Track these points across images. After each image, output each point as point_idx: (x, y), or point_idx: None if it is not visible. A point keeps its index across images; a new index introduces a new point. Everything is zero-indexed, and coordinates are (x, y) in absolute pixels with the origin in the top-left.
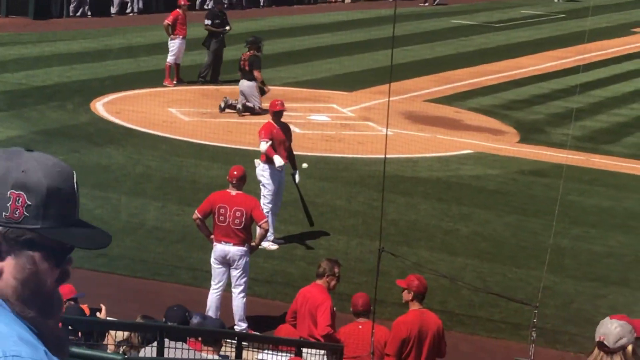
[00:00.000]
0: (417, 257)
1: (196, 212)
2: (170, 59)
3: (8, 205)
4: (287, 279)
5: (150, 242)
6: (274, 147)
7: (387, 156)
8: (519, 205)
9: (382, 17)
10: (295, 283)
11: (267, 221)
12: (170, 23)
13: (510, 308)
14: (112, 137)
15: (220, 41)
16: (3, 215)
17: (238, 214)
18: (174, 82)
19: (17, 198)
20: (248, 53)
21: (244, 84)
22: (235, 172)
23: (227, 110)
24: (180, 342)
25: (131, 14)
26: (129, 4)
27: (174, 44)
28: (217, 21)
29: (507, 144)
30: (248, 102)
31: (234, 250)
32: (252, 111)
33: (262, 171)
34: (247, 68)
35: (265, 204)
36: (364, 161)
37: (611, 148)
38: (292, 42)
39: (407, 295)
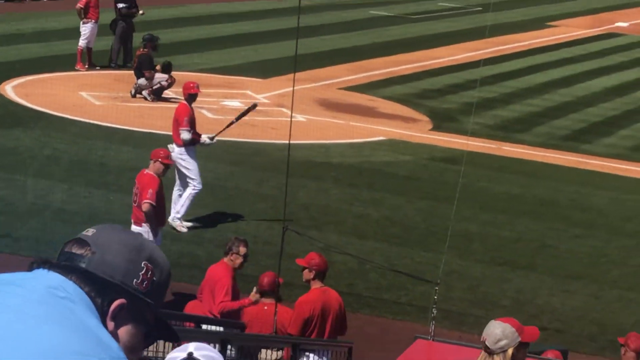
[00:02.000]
0: (327, 240)
1: None
2: (82, 42)
3: (140, 274)
4: (195, 261)
5: (56, 223)
6: (193, 129)
7: (301, 142)
8: (430, 191)
9: (301, 6)
10: (203, 265)
11: (147, 202)
12: (82, 6)
13: (416, 291)
14: (20, 120)
15: (129, 25)
16: (134, 282)
17: (136, 191)
18: (86, 66)
19: (148, 271)
20: (142, 51)
21: (138, 81)
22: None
23: (139, 95)
24: None
25: (46, 0)
26: None
27: (86, 28)
28: (129, 4)
29: (419, 132)
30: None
31: (133, 228)
32: (161, 90)
33: (180, 155)
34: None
35: (195, 185)
36: (277, 146)
37: (523, 137)
38: (209, 30)
39: (308, 274)
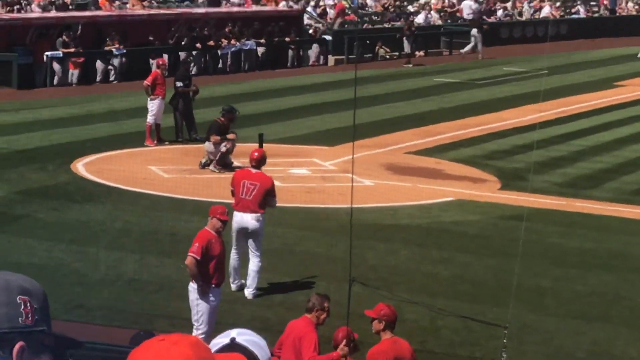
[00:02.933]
0: (395, 301)
1: None
2: (150, 119)
3: (22, 310)
4: (265, 324)
5: (128, 293)
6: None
7: (369, 205)
8: (500, 248)
9: (365, 77)
10: (274, 328)
11: (189, 255)
12: (149, 84)
13: (489, 346)
14: (92, 195)
15: (187, 101)
16: (20, 320)
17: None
18: (155, 141)
19: (26, 303)
20: (217, 118)
21: (204, 145)
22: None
23: (207, 167)
24: None
25: (114, 82)
26: (112, 72)
27: (154, 104)
28: (186, 82)
29: (488, 191)
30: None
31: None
32: (225, 156)
33: (259, 223)
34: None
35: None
36: (345, 210)
37: (592, 193)
38: (275, 103)
39: (377, 325)
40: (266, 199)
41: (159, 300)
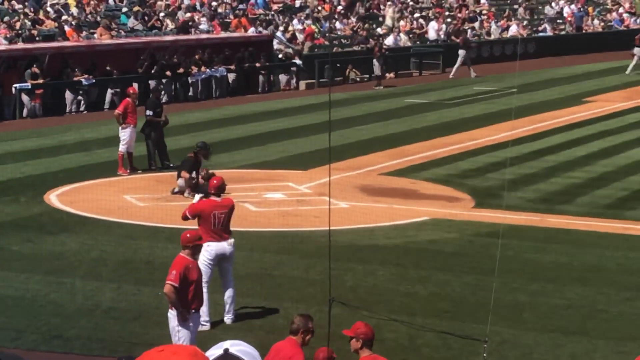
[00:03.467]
0: (375, 319)
1: None
2: (122, 147)
3: None
4: None
5: (107, 321)
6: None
7: (345, 227)
8: (477, 265)
9: (336, 100)
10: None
11: (167, 283)
12: (121, 112)
13: None
14: (66, 226)
15: (159, 129)
16: None
17: None
18: (128, 170)
19: None
20: (190, 154)
21: (178, 181)
22: (187, 235)
23: (178, 194)
24: None
25: (84, 112)
26: (82, 102)
27: (125, 133)
28: (157, 110)
29: (463, 210)
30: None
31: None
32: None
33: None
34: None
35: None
36: (321, 233)
37: (566, 208)
38: (247, 128)
39: (355, 344)
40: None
41: (138, 328)
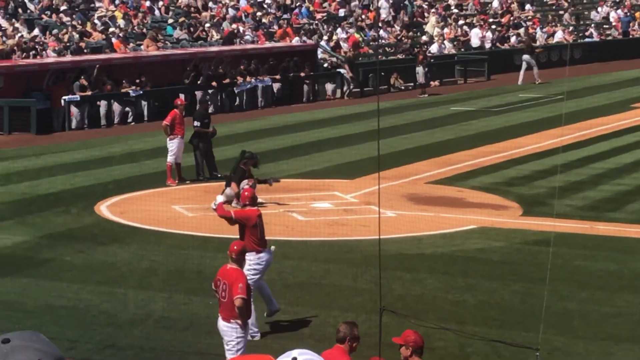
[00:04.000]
0: (425, 327)
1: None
2: (170, 158)
3: None
4: None
5: (158, 331)
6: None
7: (392, 236)
8: (525, 273)
9: (381, 109)
10: None
11: (240, 297)
12: (168, 124)
13: None
14: (117, 236)
15: (208, 140)
16: None
17: (224, 287)
18: (176, 181)
19: None
20: (239, 164)
21: (227, 190)
22: (234, 247)
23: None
24: None
25: (132, 123)
26: (130, 114)
27: (173, 144)
28: (205, 121)
29: (510, 218)
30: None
31: (221, 324)
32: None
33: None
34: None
35: None
36: (369, 242)
37: (615, 215)
38: (293, 138)
39: (405, 352)
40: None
41: (189, 338)
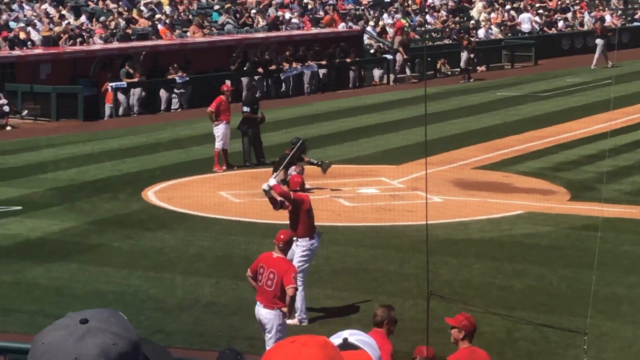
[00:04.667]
0: (472, 312)
1: (248, 269)
2: (218, 144)
3: None
4: None
5: (206, 316)
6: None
7: (439, 221)
8: (573, 258)
9: (428, 94)
10: None
11: (293, 287)
12: (213, 110)
13: (568, 355)
14: (165, 222)
15: (257, 126)
16: None
17: (271, 275)
18: (223, 167)
19: None
20: (287, 151)
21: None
22: (281, 236)
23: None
24: None
25: (178, 110)
26: (176, 100)
27: (219, 130)
28: (254, 106)
29: (558, 203)
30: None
31: (262, 312)
32: None
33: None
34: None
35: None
36: (416, 227)
37: None
38: (339, 124)
39: (457, 334)
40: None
41: (237, 323)
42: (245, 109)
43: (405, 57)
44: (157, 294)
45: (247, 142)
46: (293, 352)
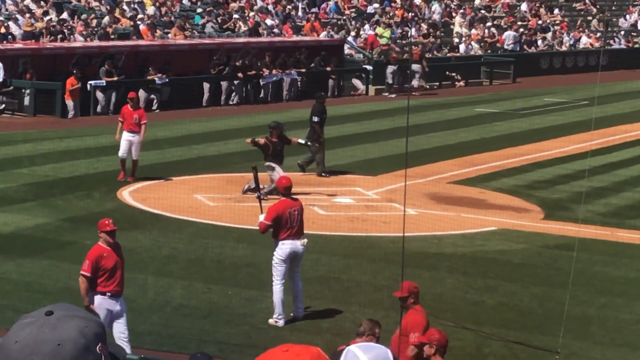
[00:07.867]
0: (443, 327)
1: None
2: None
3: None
4: None
5: (177, 318)
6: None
7: (413, 234)
8: (545, 277)
9: (405, 107)
10: None
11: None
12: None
13: None
14: (138, 223)
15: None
16: None
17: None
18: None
19: (103, 350)
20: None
21: (274, 174)
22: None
23: (249, 193)
24: None
25: (156, 110)
26: (154, 101)
27: (122, 138)
28: (324, 116)
29: (532, 221)
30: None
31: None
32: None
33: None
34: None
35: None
36: (390, 239)
37: (636, 222)
38: None
39: (429, 350)
40: None
41: (207, 326)
42: (315, 119)
43: (426, 69)
44: (128, 294)
45: (320, 151)
46: None
